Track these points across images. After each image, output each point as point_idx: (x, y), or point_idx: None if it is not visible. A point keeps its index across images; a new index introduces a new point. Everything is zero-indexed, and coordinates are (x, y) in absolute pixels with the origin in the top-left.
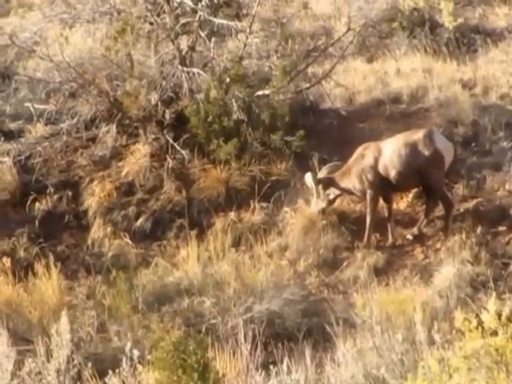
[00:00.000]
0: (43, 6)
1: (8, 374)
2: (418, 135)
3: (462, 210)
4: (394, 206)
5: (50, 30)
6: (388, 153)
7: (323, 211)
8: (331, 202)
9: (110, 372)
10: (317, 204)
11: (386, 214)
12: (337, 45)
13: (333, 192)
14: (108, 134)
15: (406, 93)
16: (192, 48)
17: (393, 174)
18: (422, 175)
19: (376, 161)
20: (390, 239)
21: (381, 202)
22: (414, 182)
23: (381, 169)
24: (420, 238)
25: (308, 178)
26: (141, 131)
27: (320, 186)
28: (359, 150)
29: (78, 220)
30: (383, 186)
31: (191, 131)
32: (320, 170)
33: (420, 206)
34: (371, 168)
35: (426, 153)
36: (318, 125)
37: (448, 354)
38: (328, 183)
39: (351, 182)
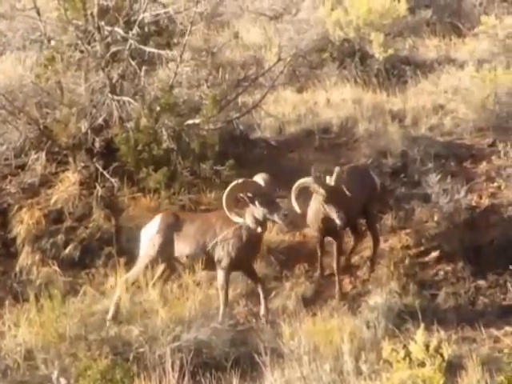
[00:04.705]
0: None
1: None
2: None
3: (390, 241)
4: None
5: None
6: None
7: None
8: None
9: None
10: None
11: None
12: (267, 75)
13: None
14: (37, 161)
15: (336, 123)
16: (122, 76)
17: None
18: (366, 209)
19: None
20: (319, 270)
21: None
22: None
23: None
24: (348, 269)
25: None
26: (70, 159)
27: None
28: None
29: (6, 247)
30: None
31: (121, 159)
32: None
33: (348, 236)
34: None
35: (370, 187)
36: (248, 154)
37: None
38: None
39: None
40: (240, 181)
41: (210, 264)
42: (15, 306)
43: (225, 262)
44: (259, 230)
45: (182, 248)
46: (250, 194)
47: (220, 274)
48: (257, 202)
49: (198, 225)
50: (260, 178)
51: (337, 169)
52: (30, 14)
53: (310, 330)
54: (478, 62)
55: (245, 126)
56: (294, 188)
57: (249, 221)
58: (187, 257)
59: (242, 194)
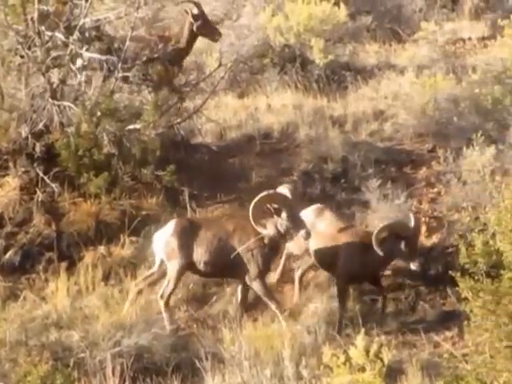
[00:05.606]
0: None
1: None
2: None
3: None
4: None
5: None
6: None
7: None
8: None
9: None
10: None
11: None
12: (208, 80)
13: None
14: None
15: (277, 129)
16: (63, 81)
17: None
18: None
19: None
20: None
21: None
22: None
23: None
24: (288, 274)
25: None
26: (11, 164)
27: None
28: None
29: None
30: None
31: (61, 164)
32: (190, 205)
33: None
34: None
35: None
36: (189, 160)
37: None
38: None
39: None
40: (269, 192)
41: (230, 272)
42: None
43: (256, 272)
44: (280, 242)
45: (200, 254)
46: (276, 206)
47: (256, 285)
48: (283, 215)
49: (214, 232)
50: (287, 190)
51: (412, 214)
52: None
53: (251, 336)
54: (417, 68)
55: (186, 131)
56: (376, 233)
57: (271, 231)
58: (205, 263)
59: (268, 205)
